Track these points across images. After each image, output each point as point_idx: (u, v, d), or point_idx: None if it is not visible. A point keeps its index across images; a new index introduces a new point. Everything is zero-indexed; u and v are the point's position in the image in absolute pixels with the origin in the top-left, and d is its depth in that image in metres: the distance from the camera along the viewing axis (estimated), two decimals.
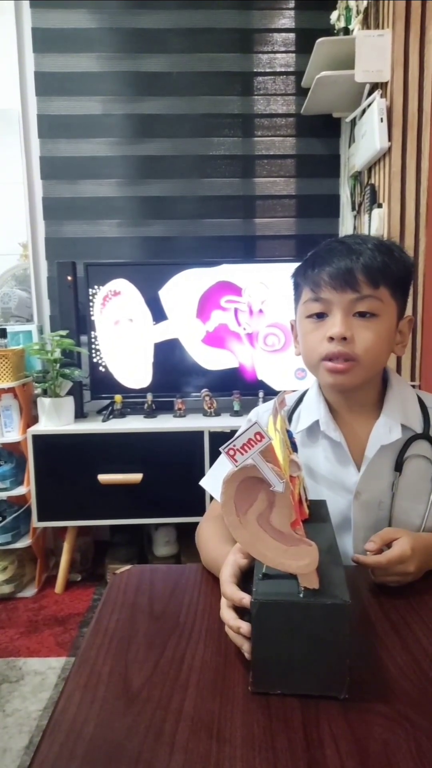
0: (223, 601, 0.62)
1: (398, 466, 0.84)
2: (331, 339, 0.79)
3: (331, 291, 0.80)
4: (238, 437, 0.47)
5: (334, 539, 0.64)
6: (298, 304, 0.88)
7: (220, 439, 1.98)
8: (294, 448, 0.72)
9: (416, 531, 0.82)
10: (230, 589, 0.61)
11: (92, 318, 2.18)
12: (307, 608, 0.52)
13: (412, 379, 1.88)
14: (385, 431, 0.84)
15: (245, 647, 0.57)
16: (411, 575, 0.72)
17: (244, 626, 0.56)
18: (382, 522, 0.83)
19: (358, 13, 1.93)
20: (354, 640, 0.59)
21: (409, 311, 1.90)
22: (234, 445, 0.47)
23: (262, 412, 0.99)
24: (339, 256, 0.80)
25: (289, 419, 0.92)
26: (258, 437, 0.46)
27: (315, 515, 0.70)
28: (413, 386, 1.87)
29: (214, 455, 2.00)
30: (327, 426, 0.86)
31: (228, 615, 0.60)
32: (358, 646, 0.59)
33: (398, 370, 1.87)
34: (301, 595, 0.52)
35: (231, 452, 0.47)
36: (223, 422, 2.08)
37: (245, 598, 0.57)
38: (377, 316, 0.80)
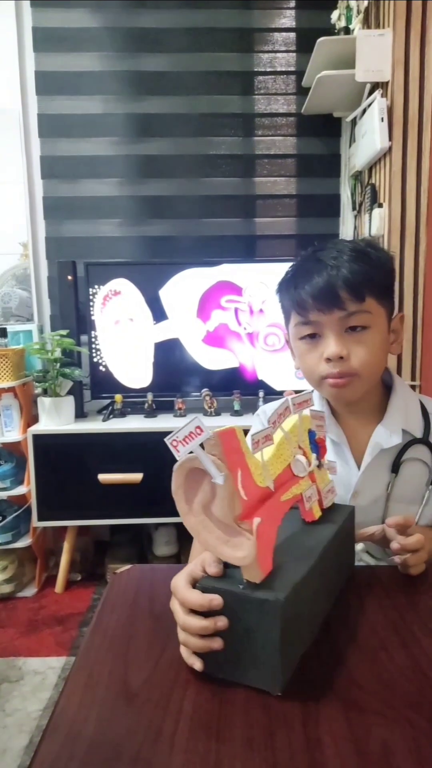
0: (180, 609, 0.57)
1: (395, 468, 0.85)
2: (329, 359, 0.80)
3: (319, 313, 0.80)
4: (180, 430, 0.49)
5: (324, 542, 0.63)
6: (289, 325, 0.88)
7: None
8: (315, 448, 0.70)
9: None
10: (194, 596, 0.55)
11: (92, 318, 2.18)
12: (241, 600, 0.52)
13: (413, 378, 1.87)
14: (386, 436, 0.85)
15: (216, 645, 0.53)
16: (427, 553, 0.72)
17: (223, 620, 0.53)
18: (377, 522, 0.83)
19: (358, 12, 1.93)
20: (353, 639, 0.60)
21: (409, 312, 1.90)
22: (177, 437, 0.49)
23: (269, 410, 1.01)
24: (318, 275, 0.79)
25: None
26: (198, 430, 0.49)
27: (326, 518, 0.69)
28: (413, 386, 1.88)
29: None
30: (329, 428, 0.87)
31: (193, 621, 0.54)
32: (357, 646, 0.59)
33: (399, 370, 1.87)
34: (241, 587, 0.53)
35: (174, 443, 0.49)
36: (223, 422, 2.08)
37: (215, 599, 0.53)
38: (369, 328, 0.81)
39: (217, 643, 0.53)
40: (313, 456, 0.69)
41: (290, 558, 0.59)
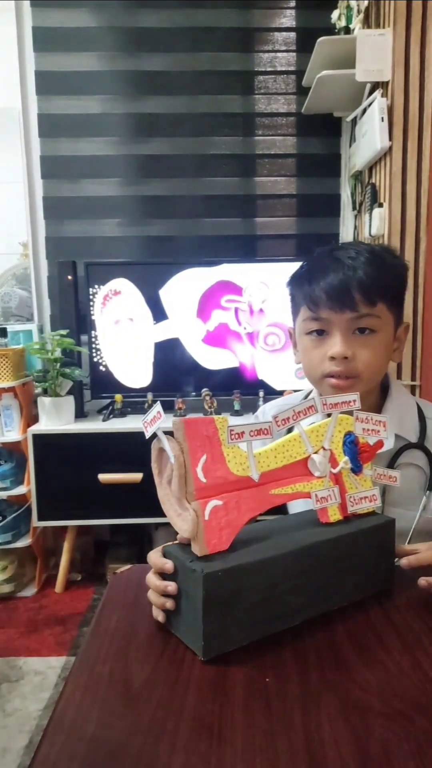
0: (150, 573, 0.65)
1: None
2: (333, 358, 0.81)
3: (330, 311, 0.81)
4: (148, 413, 0.58)
5: (312, 541, 0.63)
6: (297, 319, 0.89)
7: None
8: (349, 451, 0.69)
9: (406, 535, 0.84)
10: (154, 558, 0.64)
11: (92, 317, 2.18)
12: (181, 568, 0.59)
13: (413, 379, 1.87)
14: None
15: (168, 604, 0.60)
16: None
17: (172, 585, 0.60)
18: None
19: (359, 12, 1.93)
20: (354, 639, 0.60)
21: (409, 311, 1.89)
22: (146, 420, 0.59)
23: (269, 409, 1.04)
24: (334, 273, 0.80)
25: None
26: (158, 415, 0.58)
27: (347, 523, 0.68)
28: (413, 386, 1.88)
29: None
30: None
31: (153, 579, 0.63)
32: (358, 646, 0.59)
33: (398, 370, 1.86)
34: (190, 558, 0.58)
35: (145, 424, 0.59)
36: None
37: (167, 563, 0.61)
38: (376, 332, 0.81)
39: (169, 603, 0.60)
40: (345, 459, 0.69)
41: (264, 547, 0.61)
